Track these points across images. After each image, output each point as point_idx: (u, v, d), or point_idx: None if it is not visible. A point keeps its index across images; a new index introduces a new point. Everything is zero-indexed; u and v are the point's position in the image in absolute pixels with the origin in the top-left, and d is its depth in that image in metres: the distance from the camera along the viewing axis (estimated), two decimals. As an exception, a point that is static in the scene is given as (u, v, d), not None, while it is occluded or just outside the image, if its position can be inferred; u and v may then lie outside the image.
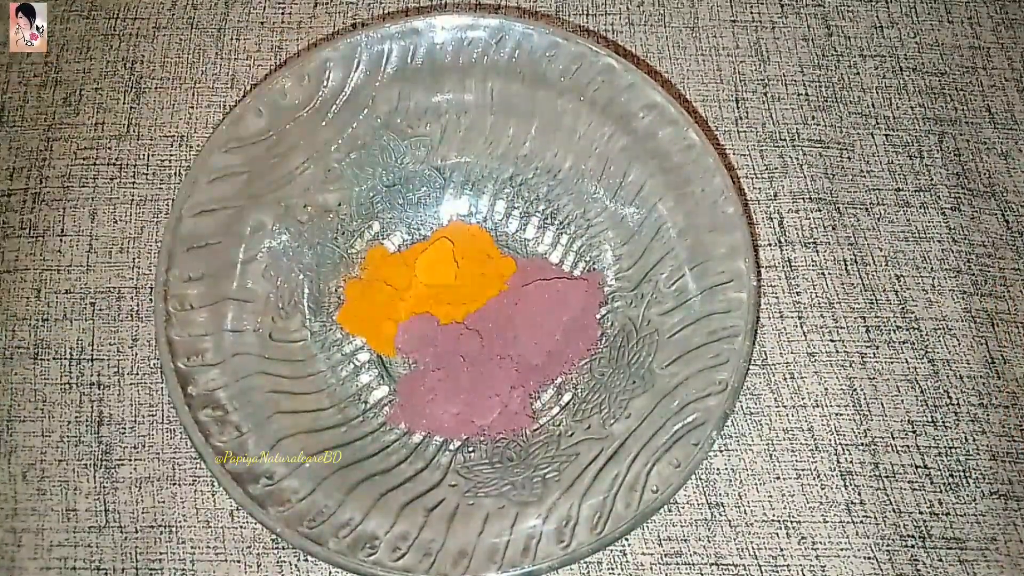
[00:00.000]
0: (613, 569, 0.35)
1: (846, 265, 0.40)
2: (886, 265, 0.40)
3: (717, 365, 0.31)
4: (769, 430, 0.37)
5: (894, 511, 0.36)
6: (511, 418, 0.35)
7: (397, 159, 0.38)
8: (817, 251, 0.41)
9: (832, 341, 0.39)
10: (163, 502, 0.35)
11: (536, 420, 0.35)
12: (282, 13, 0.45)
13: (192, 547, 0.34)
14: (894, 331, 0.39)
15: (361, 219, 0.38)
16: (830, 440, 0.37)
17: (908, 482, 0.36)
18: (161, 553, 0.34)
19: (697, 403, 0.31)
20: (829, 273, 0.40)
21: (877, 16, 0.47)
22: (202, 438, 0.29)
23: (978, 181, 0.42)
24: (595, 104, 0.36)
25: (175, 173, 0.41)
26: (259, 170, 0.34)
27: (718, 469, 0.36)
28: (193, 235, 0.32)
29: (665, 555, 0.35)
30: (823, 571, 0.35)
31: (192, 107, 0.43)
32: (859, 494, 0.36)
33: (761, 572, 0.35)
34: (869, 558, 0.35)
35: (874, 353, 0.39)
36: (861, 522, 0.35)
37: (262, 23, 0.45)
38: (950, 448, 0.37)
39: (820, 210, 0.41)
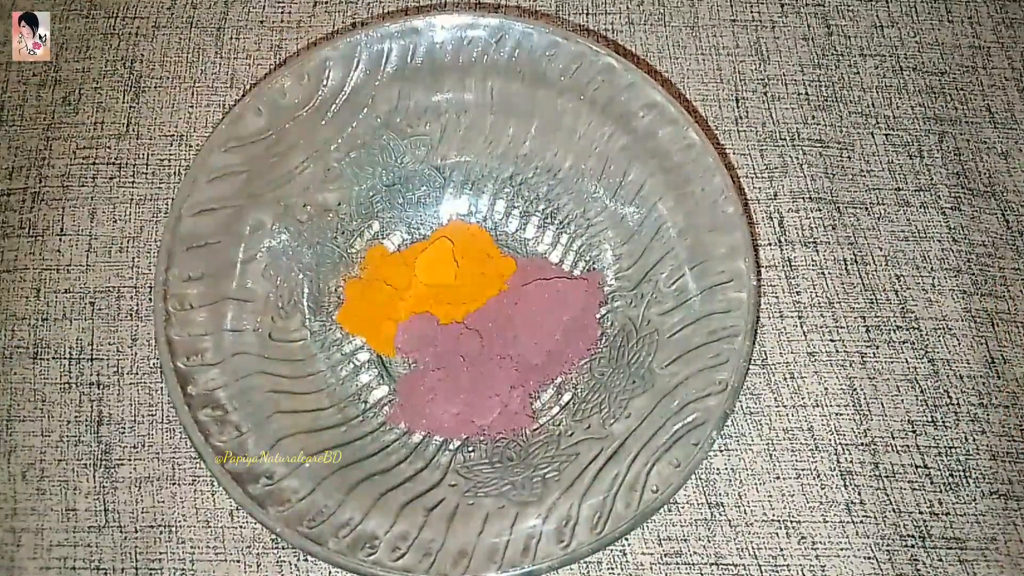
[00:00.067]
0: (613, 569, 0.35)
1: (846, 265, 0.40)
2: (886, 265, 0.40)
3: (717, 365, 0.31)
4: (769, 430, 0.37)
5: (894, 511, 0.36)
6: (511, 418, 0.35)
7: (397, 158, 0.38)
8: (817, 251, 0.41)
9: (832, 341, 0.39)
10: (163, 502, 0.35)
11: (536, 420, 0.35)
12: (281, 12, 0.45)
13: (192, 547, 0.34)
14: (894, 331, 0.39)
15: (361, 218, 0.38)
16: (830, 440, 0.37)
17: (908, 482, 0.36)
18: (161, 553, 0.34)
19: (697, 403, 0.31)
20: (829, 273, 0.40)
21: (877, 16, 0.47)
22: (202, 438, 0.29)
23: (978, 181, 0.42)
24: (595, 103, 0.36)
25: (175, 172, 0.41)
26: (259, 169, 0.34)
27: (718, 469, 0.36)
28: (193, 234, 0.32)
29: (665, 555, 0.35)
30: (823, 571, 0.35)
31: (192, 106, 0.43)
32: (859, 494, 0.36)
33: (761, 572, 0.35)
34: (869, 558, 0.35)
35: (874, 353, 0.39)
36: (861, 522, 0.35)
37: (261, 22, 0.45)
38: (950, 448, 0.37)
39: (820, 210, 0.41)
